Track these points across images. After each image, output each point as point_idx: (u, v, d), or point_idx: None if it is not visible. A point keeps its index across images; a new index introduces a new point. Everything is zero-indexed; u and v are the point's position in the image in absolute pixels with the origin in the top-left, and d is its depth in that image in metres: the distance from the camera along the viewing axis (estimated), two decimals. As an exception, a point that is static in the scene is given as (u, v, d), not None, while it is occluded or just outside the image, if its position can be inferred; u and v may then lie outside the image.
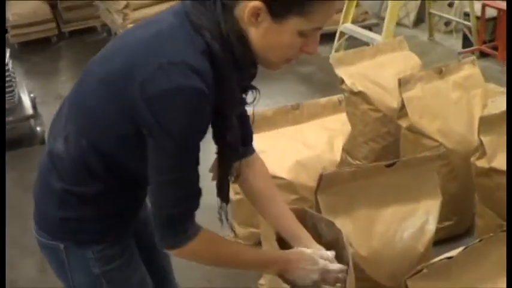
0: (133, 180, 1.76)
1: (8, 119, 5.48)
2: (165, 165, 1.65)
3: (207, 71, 1.57)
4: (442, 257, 1.99)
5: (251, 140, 2.08)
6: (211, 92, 1.58)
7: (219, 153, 1.84)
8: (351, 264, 1.97)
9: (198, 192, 1.74)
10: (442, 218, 2.75)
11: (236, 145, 1.84)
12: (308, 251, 1.97)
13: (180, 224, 1.72)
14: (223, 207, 1.99)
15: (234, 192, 3.53)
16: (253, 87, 1.85)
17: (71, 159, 1.77)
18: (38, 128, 5.60)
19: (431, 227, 2.62)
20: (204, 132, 1.67)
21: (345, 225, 2.39)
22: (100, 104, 1.69)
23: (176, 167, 1.65)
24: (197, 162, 1.72)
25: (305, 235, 2.05)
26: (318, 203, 2.44)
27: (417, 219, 2.60)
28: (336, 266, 1.95)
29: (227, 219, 2.02)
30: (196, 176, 1.72)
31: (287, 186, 3.16)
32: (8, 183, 4.93)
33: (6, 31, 8.27)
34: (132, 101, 1.58)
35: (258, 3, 1.56)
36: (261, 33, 1.61)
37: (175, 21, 1.64)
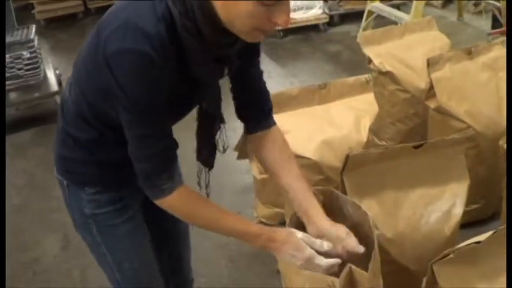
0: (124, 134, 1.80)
1: (34, 95, 5.56)
2: (129, 121, 1.73)
3: (160, 37, 1.60)
4: (469, 241, 1.95)
5: (267, 114, 2.10)
6: (164, 58, 1.61)
7: (198, 119, 1.97)
8: (376, 246, 1.93)
9: (168, 148, 1.80)
10: (469, 201, 2.71)
11: (212, 113, 1.95)
12: (299, 235, 1.90)
13: (154, 178, 1.79)
14: (204, 171, 2.12)
15: (259, 171, 3.52)
16: (231, 60, 1.85)
17: (71, 104, 1.91)
18: (63, 105, 5.62)
19: (459, 210, 2.58)
20: (161, 96, 1.69)
21: (371, 207, 2.37)
22: (86, 60, 1.77)
23: (139, 124, 1.72)
24: (163, 120, 1.77)
25: (313, 209, 2.00)
26: (343, 184, 2.41)
27: (444, 202, 2.56)
28: (324, 261, 1.86)
29: (206, 186, 2.13)
30: (163, 133, 1.78)
31: (312, 166, 3.14)
32: (32, 160, 5.01)
33: (33, 6, 8.32)
34: (99, 59, 1.63)
35: None
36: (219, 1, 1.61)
37: None
